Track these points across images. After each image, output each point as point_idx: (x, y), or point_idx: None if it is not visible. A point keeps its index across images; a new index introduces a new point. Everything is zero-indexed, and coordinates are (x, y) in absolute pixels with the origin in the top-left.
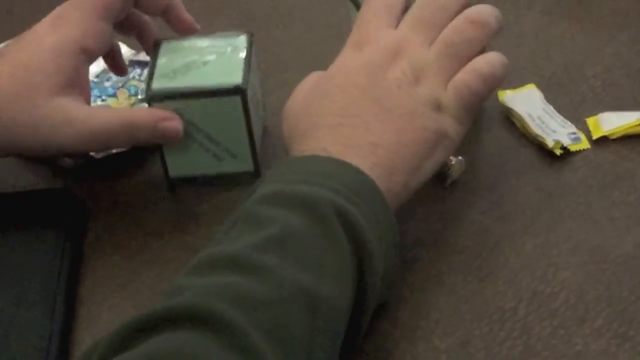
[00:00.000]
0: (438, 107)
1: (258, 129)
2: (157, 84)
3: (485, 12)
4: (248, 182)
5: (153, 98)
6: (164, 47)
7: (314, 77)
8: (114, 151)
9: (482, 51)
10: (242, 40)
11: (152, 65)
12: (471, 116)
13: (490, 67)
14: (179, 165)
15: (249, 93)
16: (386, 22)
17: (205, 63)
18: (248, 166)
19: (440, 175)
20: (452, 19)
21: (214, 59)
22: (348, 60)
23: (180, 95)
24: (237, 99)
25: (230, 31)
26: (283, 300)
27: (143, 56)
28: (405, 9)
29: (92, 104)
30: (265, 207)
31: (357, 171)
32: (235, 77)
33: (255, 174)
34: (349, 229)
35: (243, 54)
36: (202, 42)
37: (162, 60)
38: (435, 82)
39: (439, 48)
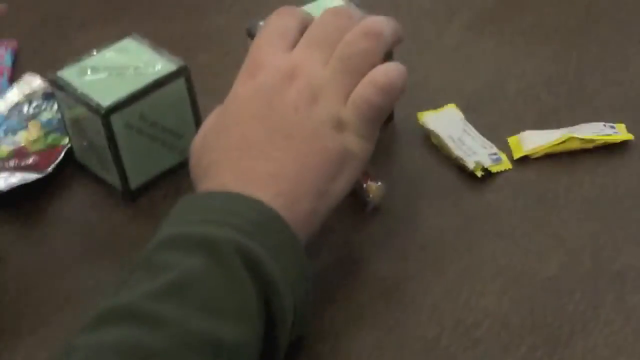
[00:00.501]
0: (339, 125)
1: None
2: (104, 101)
3: (378, 22)
4: None
5: (109, 112)
6: (68, 74)
7: (214, 113)
8: (22, 182)
9: (380, 63)
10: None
11: (71, 91)
12: (375, 130)
13: (387, 77)
14: (138, 171)
15: None
16: (280, 48)
17: (128, 68)
18: None
19: (361, 202)
20: (340, 36)
21: (133, 64)
22: (241, 89)
23: (133, 99)
24: (182, 80)
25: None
26: (180, 349)
27: None
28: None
29: (2, 139)
30: (163, 253)
31: (258, 204)
32: (170, 65)
33: None
34: (252, 268)
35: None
36: (105, 60)
37: (79, 83)
38: (333, 100)
39: (334, 64)
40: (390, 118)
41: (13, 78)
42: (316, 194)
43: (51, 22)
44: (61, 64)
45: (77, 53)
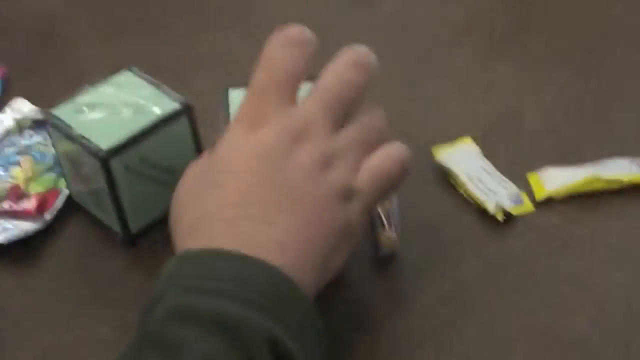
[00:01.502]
0: (349, 195)
1: None
2: (102, 143)
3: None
4: None
5: (109, 155)
6: (63, 112)
7: (201, 162)
8: (21, 236)
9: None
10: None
11: (67, 131)
12: (377, 204)
13: (403, 155)
14: (139, 214)
15: None
16: (285, 96)
17: (127, 106)
18: None
19: (374, 251)
20: (359, 94)
21: (132, 102)
22: (240, 142)
23: (133, 141)
24: (185, 119)
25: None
26: None
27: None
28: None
29: None
30: (174, 328)
31: (275, 272)
32: (170, 104)
33: None
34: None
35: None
36: (101, 96)
37: (76, 122)
38: (347, 168)
39: (352, 133)
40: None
41: (2, 105)
42: (319, 267)
43: (40, 43)
44: (52, 88)
45: (68, 75)
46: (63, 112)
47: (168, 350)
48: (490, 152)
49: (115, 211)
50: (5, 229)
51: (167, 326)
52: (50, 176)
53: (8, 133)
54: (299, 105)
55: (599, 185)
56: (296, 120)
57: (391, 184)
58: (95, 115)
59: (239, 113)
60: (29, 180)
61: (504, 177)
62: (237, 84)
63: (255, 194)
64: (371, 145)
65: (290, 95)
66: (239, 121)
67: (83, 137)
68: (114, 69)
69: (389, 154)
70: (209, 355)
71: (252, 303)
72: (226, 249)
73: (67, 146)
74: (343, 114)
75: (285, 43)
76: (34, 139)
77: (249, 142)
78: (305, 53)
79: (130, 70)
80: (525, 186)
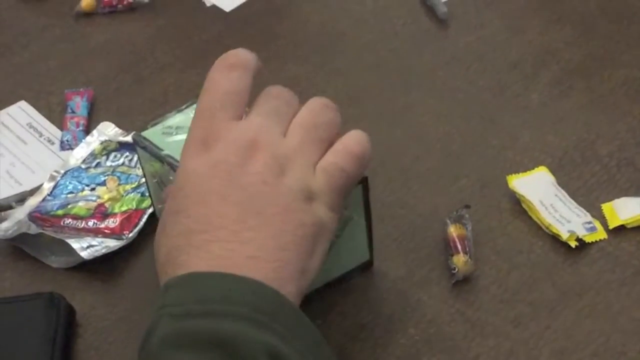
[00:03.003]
0: (309, 196)
1: None
2: None
3: (327, 99)
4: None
5: None
6: (152, 134)
7: (169, 190)
8: (103, 251)
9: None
10: None
11: (156, 152)
12: (343, 201)
13: (361, 146)
14: None
15: None
16: (232, 114)
17: None
18: (364, 256)
19: (449, 275)
20: (291, 99)
21: None
22: (196, 163)
23: None
24: (359, 189)
25: None
26: None
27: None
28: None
29: (80, 193)
30: (171, 353)
31: (260, 285)
32: None
33: (370, 263)
34: None
35: None
36: (190, 119)
37: (165, 143)
38: (302, 170)
39: (299, 133)
40: (370, 264)
41: (89, 127)
42: (298, 273)
43: (127, 68)
44: (136, 112)
45: (152, 100)
46: (151, 133)
47: None
48: (564, 182)
49: None
50: (90, 246)
51: (164, 354)
52: (134, 196)
53: (94, 155)
54: (244, 120)
55: None
56: (244, 132)
57: (349, 178)
58: (183, 136)
59: (189, 135)
60: (113, 200)
61: (577, 206)
62: None
63: (219, 215)
64: (323, 141)
65: (235, 113)
66: (191, 142)
67: (171, 156)
68: (196, 94)
69: (345, 147)
70: None
71: (244, 317)
72: (205, 271)
73: (154, 166)
74: (285, 122)
75: (225, 68)
76: (119, 160)
77: (204, 162)
78: (245, 74)
79: None
80: (598, 215)
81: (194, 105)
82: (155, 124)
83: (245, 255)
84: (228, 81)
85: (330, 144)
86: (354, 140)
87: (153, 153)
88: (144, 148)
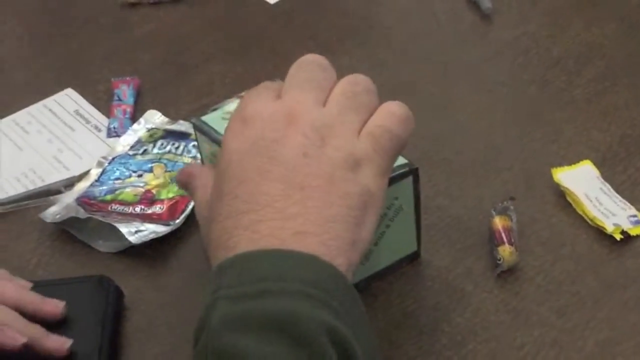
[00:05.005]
0: (355, 163)
1: None
2: None
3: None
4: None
5: None
6: (211, 119)
7: (212, 171)
8: (151, 237)
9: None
10: None
11: (214, 136)
12: (391, 165)
13: (404, 109)
14: None
15: None
16: (268, 97)
17: None
18: (412, 247)
19: (494, 265)
20: (330, 72)
21: None
22: (234, 143)
23: None
24: (409, 180)
25: None
26: None
27: (178, 126)
28: None
29: (128, 180)
30: (232, 337)
31: (313, 259)
32: None
33: (417, 254)
34: (340, 350)
35: None
36: None
37: (223, 126)
38: (345, 137)
39: (339, 100)
40: (417, 255)
41: (135, 115)
42: (348, 246)
43: (172, 58)
44: (182, 101)
45: (197, 90)
46: (210, 118)
47: None
48: (608, 176)
49: None
50: (138, 231)
51: (225, 337)
52: None
53: (141, 142)
54: (283, 95)
55: None
56: (281, 107)
57: (397, 139)
58: None
59: (234, 112)
60: (160, 186)
61: (622, 199)
62: None
63: (263, 193)
64: (364, 109)
65: (272, 97)
66: (230, 126)
67: None
68: (239, 85)
69: (388, 110)
70: (275, 358)
71: (300, 294)
72: (258, 249)
73: (212, 149)
74: (323, 92)
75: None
76: (166, 148)
77: (242, 139)
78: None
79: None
80: None
81: None
82: (215, 109)
83: (292, 232)
84: (262, 85)
85: (371, 114)
86: (394, 104)
87: (212, 137)
88: (203, 132)
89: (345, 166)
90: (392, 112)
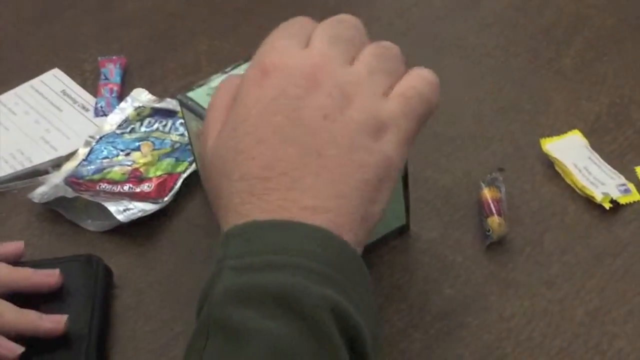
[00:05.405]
0: (379, 127)
1: None
2: None
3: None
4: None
5: None
6: (197, 95)
7: (218, 114)
8: (140, 215)
9: None
10: None
11: (200, 112)
12: (417, 133)
13: (432, 74)
14: None
15: None
16: (294, 44)
17: None
18: (401, 220)
19: (483, 236)
20: (361, 33)
21: None
22: (256, 93)
23: None
24: None
25: None
26: None
27: (166, 104)
28: None
29: (115, 158)
30: (236, 310)
31: (320, 232)
32: None
33: (407, 227)
34: (342, 327)
35: None
36: None
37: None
38: (371, 98)
39: (367, 60)
40: (406, 228)
41: (122, 94)
42: (357, 222)
43: (158, 36)
44: (170, 78)
45: (185, 67)
46: (196, 94)
47: (234, 334)
48: (597, 145)
49: None
50: (127, 209)
51: (228, 309)
52: (169, 161)
53: (128, 120)
54: (310, 45)
55: None
56: (305, 60)
57: (428, 103)
58: None
59: (250, 64)
60: (148, 164)
61: (611, 168)
62: None
63: (280, 159)
64: (392, 71)
65: (299, 40)
66: (251, 70)
67: None
68: (228, 62)
69: (418, 73)
70: (276, 333)
71: (304, 269)
72: (266, 219)
73: (199, 125)
74: (352, 51)
75: (292, 20)
76: (153, 126)
77: (264, 92)
78: (312, 24)
79: None
80: (632, 178)
81: (241, 66)
82: (201, 85)
83: (302, 206)
84: (289, 25)
85: (398, 80)
86: (425, 70)
87: (198, 113)
88: (189, 108)
89: (367, 130)
90: (423, 76)
